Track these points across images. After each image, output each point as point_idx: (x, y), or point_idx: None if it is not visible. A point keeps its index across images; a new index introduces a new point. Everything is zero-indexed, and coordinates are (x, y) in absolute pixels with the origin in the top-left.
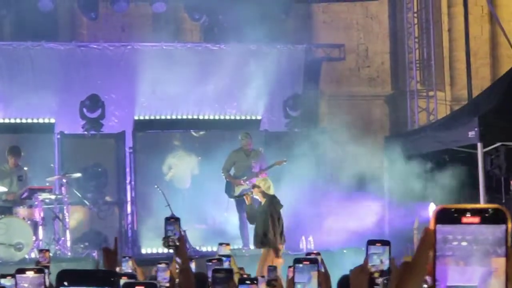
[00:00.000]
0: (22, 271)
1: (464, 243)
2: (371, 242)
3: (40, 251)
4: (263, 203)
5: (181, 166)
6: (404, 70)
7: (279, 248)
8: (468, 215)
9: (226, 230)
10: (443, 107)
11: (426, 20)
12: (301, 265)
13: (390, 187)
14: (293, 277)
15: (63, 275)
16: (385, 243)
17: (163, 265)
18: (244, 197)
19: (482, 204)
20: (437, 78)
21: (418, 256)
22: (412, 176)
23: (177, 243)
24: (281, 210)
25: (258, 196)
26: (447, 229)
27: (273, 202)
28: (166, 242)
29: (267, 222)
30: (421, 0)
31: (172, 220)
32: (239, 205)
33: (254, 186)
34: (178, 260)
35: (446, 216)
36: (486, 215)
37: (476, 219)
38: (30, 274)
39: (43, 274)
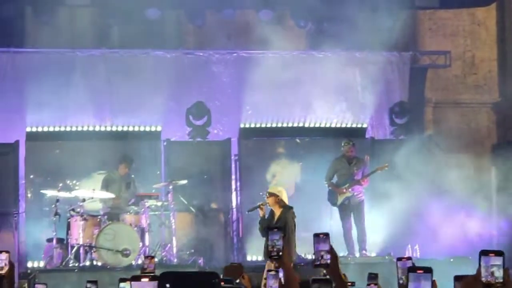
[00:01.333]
0: (137, 278)
1: None
2: (485, 253)
3: (146, 257)
4: (279, 214)
5: (285, 174)
6: None
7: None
8: None
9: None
10: None
11: None
12: (415, 273)
13: (498, 196)
14: (406, 285)
15: (165, 277)
16: (498, 253)
17: (273, 273)
18: (259, 209)
19: None
20: None
21: None
22: None
23: (280, 254)
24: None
25: (274, 208)
26: None
27: (289, 213)
28: (270, 252)
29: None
30: None
31: (276, 230)
32: (342, 213)
33: (270, 195)
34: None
35: None
36: None
37: None
38: (144, 280)
39: (156, 281)
